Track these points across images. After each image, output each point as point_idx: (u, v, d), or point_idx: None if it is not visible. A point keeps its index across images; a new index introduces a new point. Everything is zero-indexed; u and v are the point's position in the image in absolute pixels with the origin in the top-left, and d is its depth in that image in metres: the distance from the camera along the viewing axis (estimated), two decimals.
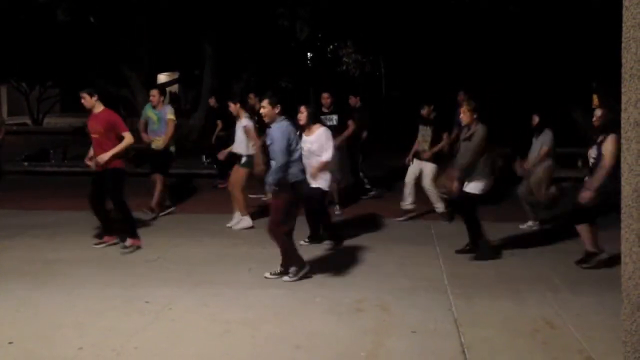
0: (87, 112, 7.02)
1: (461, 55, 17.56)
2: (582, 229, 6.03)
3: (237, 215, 7.86)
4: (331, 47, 26.22)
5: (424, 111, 8.25)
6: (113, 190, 6.85)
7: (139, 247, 6.79)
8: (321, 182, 6.68)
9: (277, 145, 5.60)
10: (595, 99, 14.30)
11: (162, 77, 22.00)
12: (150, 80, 16.48)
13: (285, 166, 5.59)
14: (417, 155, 8.22)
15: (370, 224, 8.09)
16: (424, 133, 8.17)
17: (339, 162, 8.51)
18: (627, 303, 2.87)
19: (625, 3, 2.83)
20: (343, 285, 5.59)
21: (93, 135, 6.86)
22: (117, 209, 6.89)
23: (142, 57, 15.43)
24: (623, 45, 2.83)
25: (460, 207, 6.72)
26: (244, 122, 7.82)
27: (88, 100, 6.83)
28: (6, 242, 7.17)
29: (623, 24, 2.84)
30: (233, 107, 8.00)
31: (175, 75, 21.76)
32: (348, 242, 7.09)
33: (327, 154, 6.64)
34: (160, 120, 8.59)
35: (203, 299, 5.19)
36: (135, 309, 4.93)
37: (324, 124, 7.27)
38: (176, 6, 13.06)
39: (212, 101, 12.33)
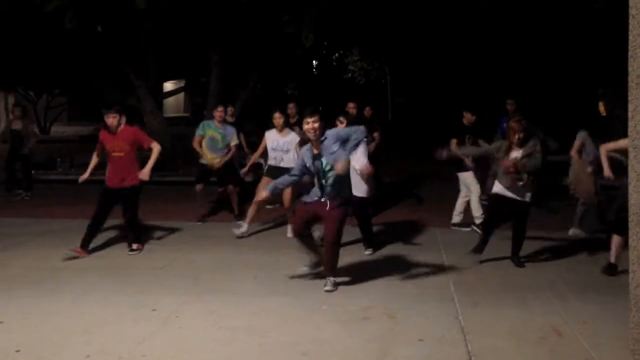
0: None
1: (467, 62, 17.59)
2: (617, 239, 5.99)
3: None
4: (337, 54, 26.33)
5: (470, 119, 7.97)
6: (132, 207, 6.99)
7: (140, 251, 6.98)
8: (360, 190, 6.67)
9: None
10: (602, 106, 14.24)
11: (168, 85, 22.06)
12: (156, 88, 16.53)
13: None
14: (466, 168, 7.85)
15: (376, 231, 8.07)
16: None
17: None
18: (635, 311, 2.87)
19: (632, 12, 2.83)
20: (349, 292, 5.58)
21: (116, 154, 6.77)
22: (132, 225, 7.03)
23: (148, 65, 15.48)
24: (630, 53, 2.83)
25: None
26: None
27: (117, 120, 6.70)
28: (14, 249, 7.22)
29: (629, 33, 2.83)
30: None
31: (182, 84, 21.81)
32: (354, 250, 7.08)
33: (361, 163, 6.54)
34: (226, 140, 8.53)
35: (210, 306, 5.19)
36: (142, 316, 4.95)
37: None
38: (181, 14, 13.11)
39: (230, 111, 10.54)
